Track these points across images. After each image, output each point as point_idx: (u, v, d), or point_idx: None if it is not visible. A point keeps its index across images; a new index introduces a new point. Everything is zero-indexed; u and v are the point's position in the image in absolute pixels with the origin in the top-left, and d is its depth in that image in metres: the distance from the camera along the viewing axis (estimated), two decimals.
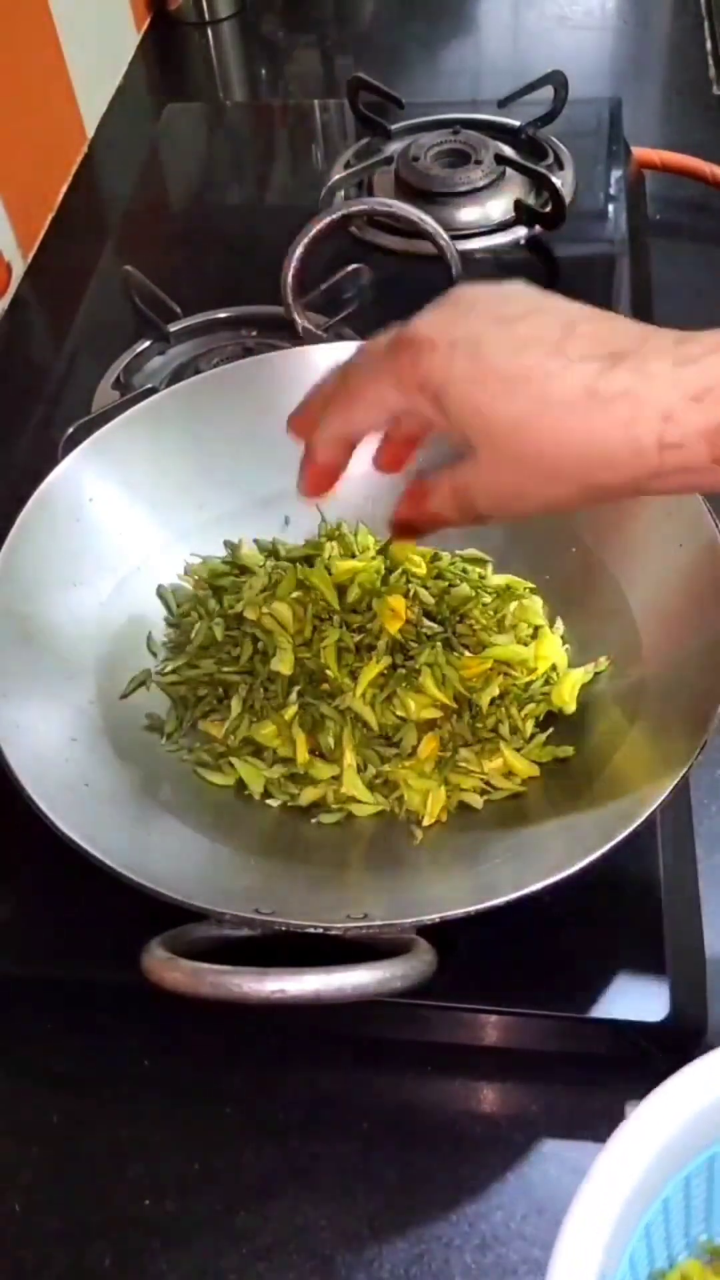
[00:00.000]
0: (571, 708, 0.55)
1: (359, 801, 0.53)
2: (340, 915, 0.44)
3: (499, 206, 0.88)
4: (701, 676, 0.48)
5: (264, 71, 1.21)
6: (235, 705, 0.55)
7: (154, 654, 0.59)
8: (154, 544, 0.62)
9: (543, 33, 1.18)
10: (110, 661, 0.57)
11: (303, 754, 0.53)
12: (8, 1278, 0.48)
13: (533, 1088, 0.51)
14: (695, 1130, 0.34)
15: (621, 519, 0.57)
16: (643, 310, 0.82)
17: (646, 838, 0.51)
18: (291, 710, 0.54)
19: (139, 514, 0.61)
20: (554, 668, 0.56)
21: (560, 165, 0.92)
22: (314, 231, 0.64)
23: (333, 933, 0.42)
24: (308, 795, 0.54)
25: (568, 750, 0.54)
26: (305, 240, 0.64)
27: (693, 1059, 0.51)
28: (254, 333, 0.81)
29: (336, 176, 0.91)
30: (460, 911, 0.42)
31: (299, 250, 0.65)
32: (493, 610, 0.58)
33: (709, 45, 1.13)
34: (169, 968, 0.38)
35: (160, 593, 0.61)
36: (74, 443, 0.66)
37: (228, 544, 0.63)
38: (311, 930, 0.42)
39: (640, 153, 0.95)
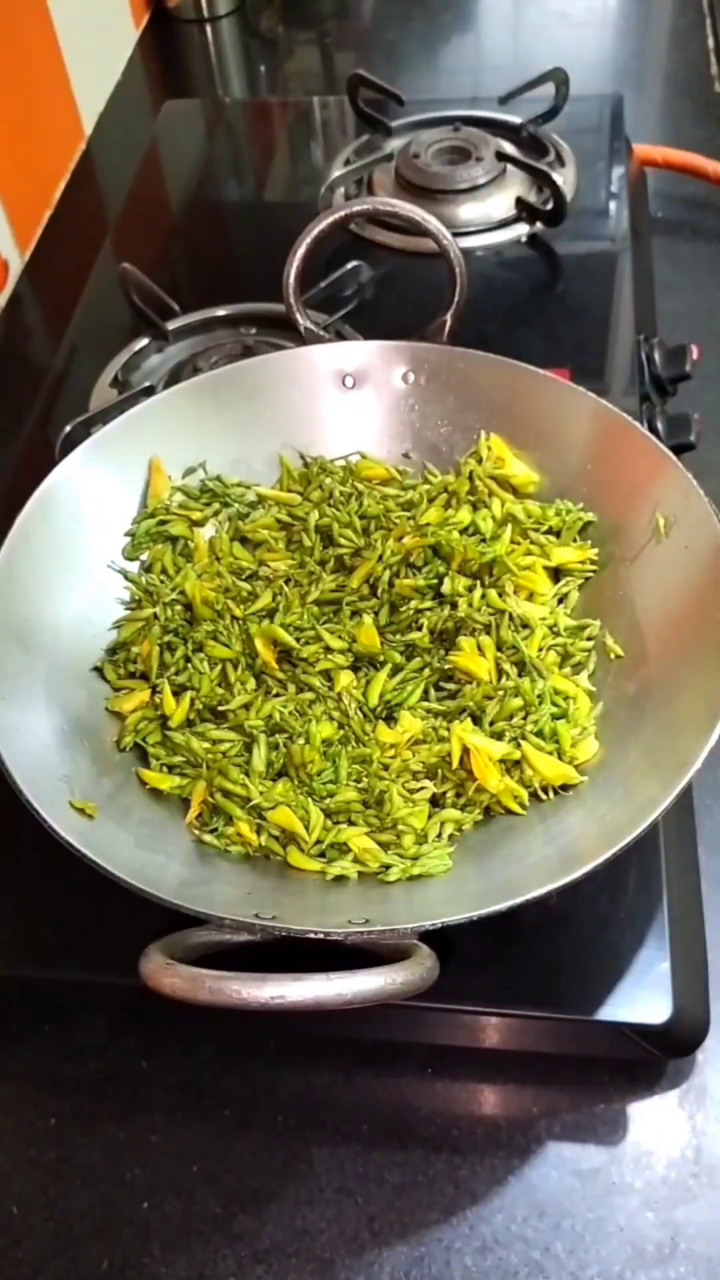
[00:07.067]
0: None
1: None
2: (341, 920, 0.43)
3: (500, 204, 0.88)
4: (707, 679, 0.48)
5: (263, 68, 1.20)
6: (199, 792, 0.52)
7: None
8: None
9: (544, 29, 1.18)
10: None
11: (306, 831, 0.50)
12: None
13: (534, 1090, 0.51)
14: None
15: (627, 521, 0.57)
16: (644, 308, 0.82)
17: (649, 840, 0.50)
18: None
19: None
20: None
21: (561, 162, 0.92)
22: (316, 231, 0.64)
23: (333, 938, 0.42)
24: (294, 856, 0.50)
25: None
26: (308, 240, 0.64)
27: (695, 1061, 0.51)
28: (253, 330, 0.80)
29: (336, 174, 0.91)
30: (461, 917, 0.41)
31: (301, 249, 0.64)
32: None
33: (710, 42, 1.13)
34: (167, 973, 0.38)
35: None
36: (71, 441, 0.66)
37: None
38: (312, 935, 0.42)
39: (641, 150, 0.95)
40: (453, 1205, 0.49)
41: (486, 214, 0.87)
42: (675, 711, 0.49)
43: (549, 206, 0.86)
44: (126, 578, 0.59)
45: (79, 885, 0.44)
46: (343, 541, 0.60)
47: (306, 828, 0.50)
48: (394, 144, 0.95)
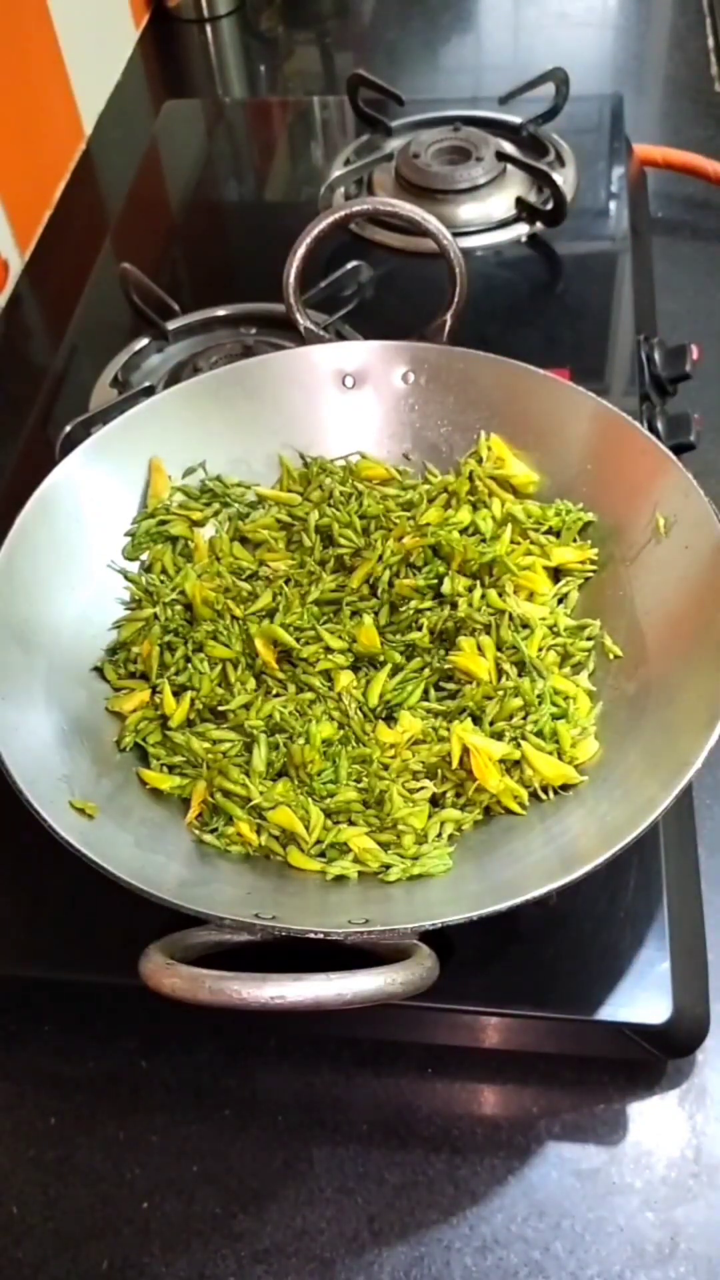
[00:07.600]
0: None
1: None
2: (341, 920, 0.43)
3: (500, 204, 0.88)
4: (707, 679, 0.48)
5: (263, 68, 1.20)
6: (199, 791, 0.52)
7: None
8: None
9: (544, 29, 1.18)
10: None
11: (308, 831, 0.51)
12: None
13: (533, 1090, 0.51)
14: None
15: (627, 521, 0.57)
16: (644, 308, 0.82)
17: (649, 840, 0.50)
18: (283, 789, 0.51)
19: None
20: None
21: (561, 162, 0.92)
22: (316, 231, 0.64)
23: (333, 938, 0.42)
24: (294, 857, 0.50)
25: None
26: (308, 240, 0.64)
27: (695, 1061, 0.51)
28: (253, 330, 0.80)
29: (336, 174, 0.91)
30: (461, 917, 0.41)
31: (301, 250, 0.64)
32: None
33: (710, 42, 1.13)
34: (167, 974, 0.38)
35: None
36: (71, 441, 0.66)
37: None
38: (311, 935, 0.42)
39: (642, 150, 0.95)
40: (453, 1205, 0.49)
41: (486, 214, 0.87)
42: (675, 711, 0.49)
43: (549, 206, 0.86)
44: (126, 578, 0.60)
45: (79, 885, 0.44)
46: (343, 541, 0.60)
47: (306, 828, 0.50)
48: (394, 144, 0.95)
